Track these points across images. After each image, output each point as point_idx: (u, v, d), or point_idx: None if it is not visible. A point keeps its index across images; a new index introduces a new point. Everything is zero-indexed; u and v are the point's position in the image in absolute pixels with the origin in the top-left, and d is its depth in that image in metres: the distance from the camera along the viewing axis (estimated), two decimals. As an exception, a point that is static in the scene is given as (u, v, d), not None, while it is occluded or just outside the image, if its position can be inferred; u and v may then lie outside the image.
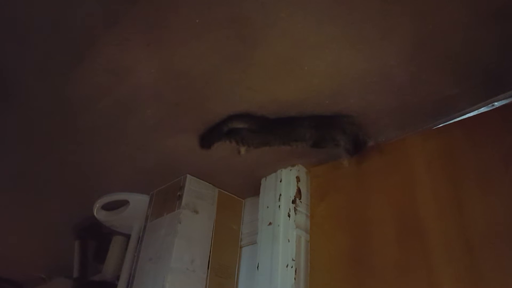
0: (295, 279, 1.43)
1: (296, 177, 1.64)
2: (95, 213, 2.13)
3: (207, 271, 1.70)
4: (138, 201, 2.02)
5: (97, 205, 2.10)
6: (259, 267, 1.55)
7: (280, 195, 1.63)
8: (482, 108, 1.31)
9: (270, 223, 1.60)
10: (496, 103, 1.28)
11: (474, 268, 1.14)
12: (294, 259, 1.46)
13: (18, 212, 2.30)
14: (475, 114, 1.32)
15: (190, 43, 1.22)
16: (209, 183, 1.87)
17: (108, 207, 2.14)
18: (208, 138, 1.55)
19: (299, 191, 1.62)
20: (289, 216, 1.56)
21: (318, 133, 1.42)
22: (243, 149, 1.58)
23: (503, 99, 1.27)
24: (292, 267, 1.45)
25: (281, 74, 1.29)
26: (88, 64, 1.34)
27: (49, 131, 1.67)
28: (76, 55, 1.31)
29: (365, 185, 1.49)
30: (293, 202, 1.59)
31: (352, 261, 1.40)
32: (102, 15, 1.18)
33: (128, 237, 2.17)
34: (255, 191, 1.79)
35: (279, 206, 1.61)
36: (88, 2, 1.15)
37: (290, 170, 1.67)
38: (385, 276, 1.30)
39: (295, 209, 1.57)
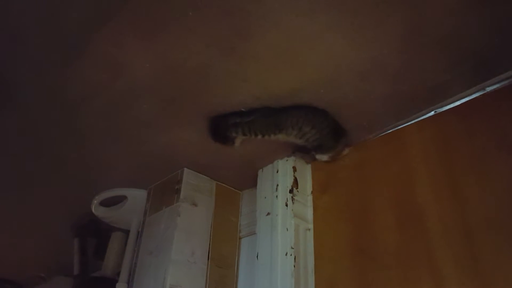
0: (294, 266, 1.45)
1: (293, 167, 1.66)
2: (93, 210, 2.13)
3: (208, 262, 1.72)
4: (136, 196, 2.03)
5: (95, 201, 2.11)
6: (258, 257, 1.57)
7: (277, 185, 1.65)
8: (475, 94, 1.33)
9: (268, 213, 1.62)
10: (488, 88, 1.30)
11: (473, 252, 1.17)
12: (293, 247, 1.48)
13: (16, 211, 2.29)
14: (467, 100, 1.34)
15: (184, 36, 1.23)
16: (207, 176, 1.88)
17: (106, 203, 2.14)
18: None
19: (295, 181, 1.64)
20: (286, 205, 1.58)
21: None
22: (238, 141, 1.59)
23: (495, 83, 1.29)
24: (291, 255, 1.47)
25: (276, 65, 1.30)
26: (83, 61, 1.34)
27: (46, 129, 1.67)
28: (71, 53, 1.32)
29: (365, 176, 1.52)
30: (291, 191, 1.60)
31: (355, 250, 1.43)
32: (96, 12, 1.18)
33: (127, 232, 2.18)
34: (253, 183, 1.81)
35: (277, 196, 1.62)
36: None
37: (287, 160, 1.68)
38: (386, 263, 1.32)
39: (292, 199, 1.59)
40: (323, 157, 1.58)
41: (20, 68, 1.39)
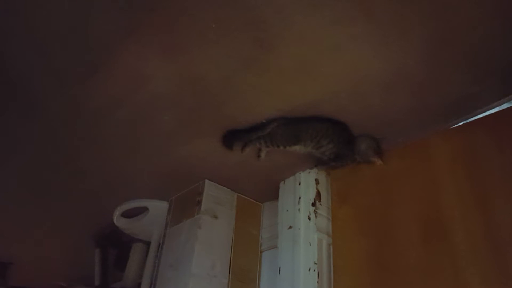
0: (318, 282, 1.42)
1: (315, 180, 1.63)
2: (115, 221, 2.14)
3: (229, 276, 1.70)
4: (157, 208, 2.03)
5: (117, 212, 2.11)
6: (280, 271, 1.54)
7: (300, 198, 1.62)
8: (504, 105, 1.29)
9: (290, 227, 1.59)
10: (517, 99, 1.26)
11: (501, 269, 1.12)
12: (316, 262, 1.45)
13: (38, 222, 2.32)
14: (496, 111, 1.30)
15: (206, 48, 1.23)
16: (228, 188, 1.87)
17: (127, 214, 2.15)
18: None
19: (318, 194, 1.61)
20: (309, 219, 1.55)
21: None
22: (263, 153, 1.58)
23: (525, 95, 1.25)
24: (314, 270, 1.44)
25: (298, 77, 1.28)
26: (106, 73, 1.35)
27: (68, 140, 1.69)
28: (94, 64, 1.33)
29: (386, 187, 1.48)
30: (313, 204, 1.57)
31: (376, 264, 1.38)
32: (120, 24, 1.19)
33: (148, 244, 2.18)
34: (274, 195, 1.79)
35: (299, 209, 1.60)
36: (106, 12, 1.16)
37: (309, 172, 1.66)
38: (410, 279, 1.28)
39: (315, 212, 1.56)
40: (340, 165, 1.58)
41: (44, 79, 1.41)
